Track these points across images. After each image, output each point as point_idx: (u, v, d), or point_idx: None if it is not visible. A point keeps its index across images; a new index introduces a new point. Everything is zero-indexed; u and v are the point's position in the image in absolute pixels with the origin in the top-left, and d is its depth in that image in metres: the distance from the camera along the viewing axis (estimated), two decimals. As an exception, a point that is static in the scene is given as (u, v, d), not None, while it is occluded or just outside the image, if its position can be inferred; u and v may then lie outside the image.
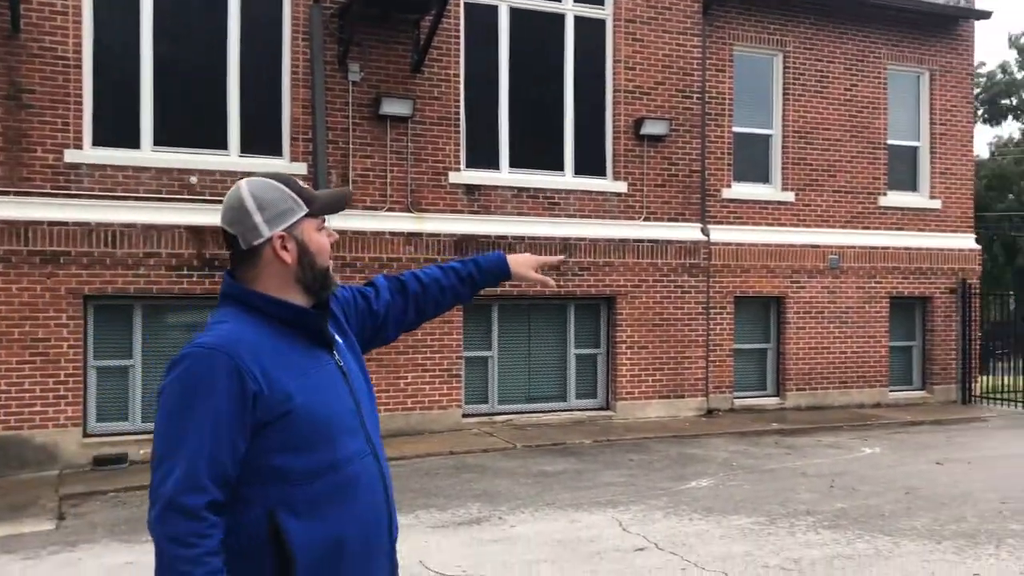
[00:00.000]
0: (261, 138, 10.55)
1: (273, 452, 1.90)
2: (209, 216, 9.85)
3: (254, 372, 1.89)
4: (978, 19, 14.78)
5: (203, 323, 10.75)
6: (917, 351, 14.75)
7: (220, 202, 2.13)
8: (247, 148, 10.44)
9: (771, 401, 13.44)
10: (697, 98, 12.72)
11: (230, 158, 10.32)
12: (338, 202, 2.17)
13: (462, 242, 11.18)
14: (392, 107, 10.79)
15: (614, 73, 12.24)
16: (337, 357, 2.08)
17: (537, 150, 11.93)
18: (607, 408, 12.16)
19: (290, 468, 1.91)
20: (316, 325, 2.05)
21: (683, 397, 12.50)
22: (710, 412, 12.62)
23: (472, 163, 11.51)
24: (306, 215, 2.05)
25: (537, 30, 12.00)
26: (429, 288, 2.43)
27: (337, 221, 9.74)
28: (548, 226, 11.67)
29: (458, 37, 11.41)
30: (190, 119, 10.31)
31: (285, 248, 2.01)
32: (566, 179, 11.98)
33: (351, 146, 10.80)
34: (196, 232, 9.88)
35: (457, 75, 11.39)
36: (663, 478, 8.61)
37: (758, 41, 13.42)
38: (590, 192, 12.01)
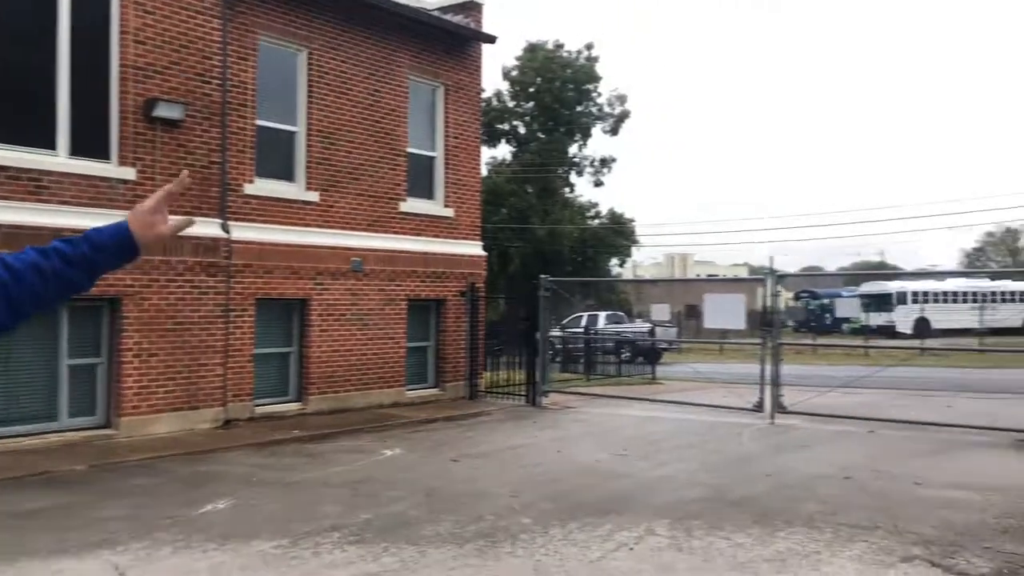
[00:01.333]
0: None
1: None
2: None
3: None
4: (486, 42, 16.00)
5: None
6: (431, 351, 15.46)
7: None
8: None
9: (293, 407, 12.99)
10: (217, 84, 11.78)
11: None
12: None
13: (-88, 229, 8.88)
14: None
15: (121, 46, 10.76)
16: None
17: (21, 123, 10.00)
18: (108, 426, 10.63)
19: None
20: None
21: (198, 408, 11.45)
22: (228, 423, 11.75)
23: (-71, 131, 9.23)
24: None
25: (23, -20, 10.07)
26: (24, 277, 1.84)
27: None
28: (33, 213, 9.81)
29: (-90, -29, 9.07)
30: None
31: None
32: (59, 159, 10.22)
33: None
34: None
35: (-93, 18, 9.04)
36: (174, 504, 7.61)
37: (284, 34, 12.89)
38: (90, 177, 10.40)
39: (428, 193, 15.26)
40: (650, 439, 11.16)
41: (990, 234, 75.99)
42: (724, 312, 13.30)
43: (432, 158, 15.33)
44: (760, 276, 14.13)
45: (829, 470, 8.96)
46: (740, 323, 13.62)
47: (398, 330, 14.48)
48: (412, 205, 14.77)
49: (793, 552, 6.06)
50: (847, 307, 42.60)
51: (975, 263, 75.43)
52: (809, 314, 46.03)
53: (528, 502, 7.66)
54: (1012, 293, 44.38)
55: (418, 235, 14.86)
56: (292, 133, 13.11)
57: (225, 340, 11.84)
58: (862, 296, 43.95)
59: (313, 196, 13.19)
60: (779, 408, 12.59)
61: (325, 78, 13.40)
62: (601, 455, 10.00)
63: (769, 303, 12.79)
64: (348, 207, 13.74)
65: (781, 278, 12.97)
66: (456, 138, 15.51)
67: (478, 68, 16.05)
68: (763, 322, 13.11)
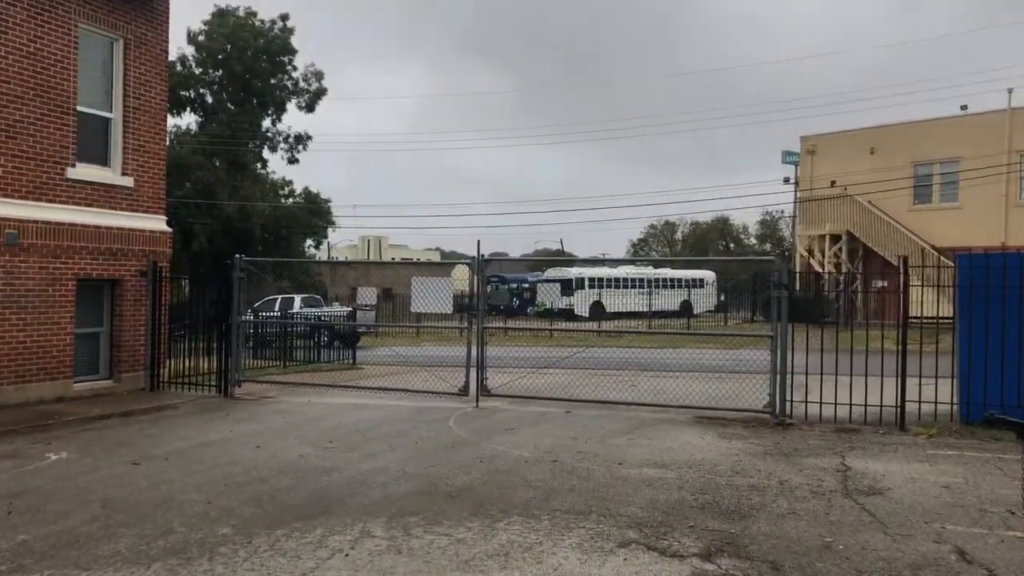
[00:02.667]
0: None
1: None
2: None
3: None
4: (174, -5, 14.43)
5: None
6: (105, 337, 13.73)
7: None
8: None
9: (-74, 406, 10.86)
10: None
11: None
12: None
13: None
14: None
15: None
16: None
17: None
18: None
19: None
20: None
21: None
22: None
23: None
24: None
25: None
26: None
27: None
28: None
29: None
30: None
31: None
32: None
33: None
34: None
35: None
36: None
37: (-85, -45, 10.64)
38: None
39: (103, 159, 13.47)
40: (357, 429, 10.63)
41: (652, 226, 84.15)
42: (431, 296, 13.10)
43: (108, 119, 13.54)
44: (467, 261, 14.11)
45: (537, 453, 9.02)
46: (448, 307, 13.52)
47: (64, 314, 12.67)
48: (83, 171, 12.95)
49: (515, 545, 5.87)
50: (547, 292, 44.93)
51: (640, 252, 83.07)
52: (499, 298, 47.90)
53: (226, 508, 6.84)
54: (671, 280, 49.34)
55: (90, 206, 13.07)
56: (-75, 77, 10.89)
57: None
58: (548, 281, 46.60)
59: (-46, 154, 11.06)
60: (484, 391, 12.64)
61: (-29, 15, 11.27)
62: (306, 449, 9.31)
63: (476, 287, 12.76)
64: (1, 171, 11.71)
65: (487, 263, 13.00)
66: (138, 99, 13.82)
67: (164, 23, 14.42)
68: (469, 305, 13.09)
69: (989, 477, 7.99)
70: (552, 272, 48.56)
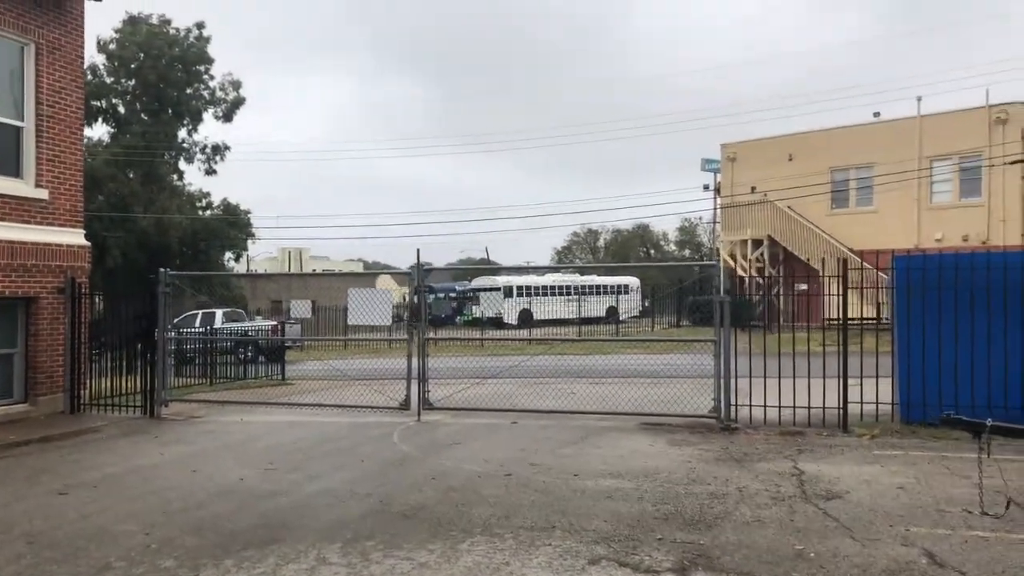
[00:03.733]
0: None
1: None
2: None
3: None
4: (89, -2, 13.75)
5: None
6: (19, 358, 12.94)
7: None
8: None
9: None
10: None
11: None
12: None
13: None
14: None
15: None
16: None
17: None
18: None
19: None
20: None
21: None
22: None
23: None
24: None
25: None
26: None
27: None
28: None
29: None
30: None
31: None
32: None
33: None
34: None
35: None
36: None
37: None
38: None
39: (14, 170, 12.72)
40: (297, 448, 10.19)
41: (575, 234, 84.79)
42: (370, 308, 12.72)
43: (19, 128, 12.80)
44: (404, 271, 13.80)
45: (489, 467, 8.77)
46: (387, 318, 13.16)
47: (-25, 335, 11.88)
48: (-7, 183, 12.20)
49: (482, 567, 5.62)
50: (489, 301, 44.64)
51: (564, 259, 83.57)
52: (440, 307, 47.36)
53: (167, 538, 6.40)
54: (597, 287, 49.69)
55: (1, 220, 12.31)
56: None
57: None
58: (478, 290, 46.40)
59: None
60: (426, 404, 12.31)
61: None
62: (245, 471, 8.85)
63: (418, 297, 12.45)
64: (-98, 182, 10.92)
65: (428, 272, 12.70)
66: (52, 107, 13.10)
67: (79, 28, 13.72)
68: (410, 317, 12.75)
69: (939, 476, 8.07)
70: (480, 281, 48.41)
